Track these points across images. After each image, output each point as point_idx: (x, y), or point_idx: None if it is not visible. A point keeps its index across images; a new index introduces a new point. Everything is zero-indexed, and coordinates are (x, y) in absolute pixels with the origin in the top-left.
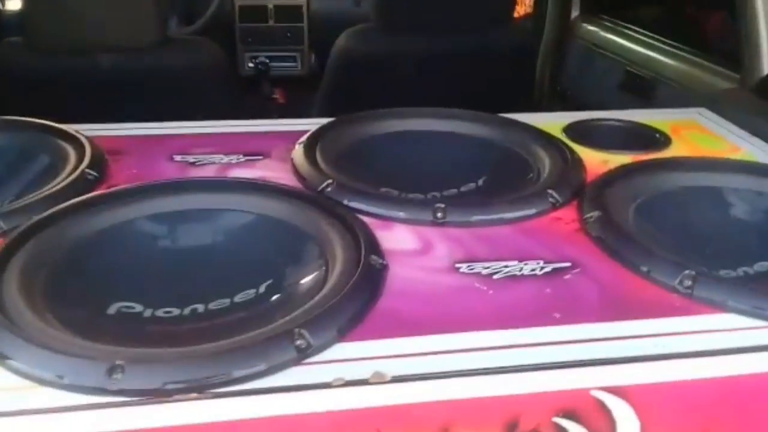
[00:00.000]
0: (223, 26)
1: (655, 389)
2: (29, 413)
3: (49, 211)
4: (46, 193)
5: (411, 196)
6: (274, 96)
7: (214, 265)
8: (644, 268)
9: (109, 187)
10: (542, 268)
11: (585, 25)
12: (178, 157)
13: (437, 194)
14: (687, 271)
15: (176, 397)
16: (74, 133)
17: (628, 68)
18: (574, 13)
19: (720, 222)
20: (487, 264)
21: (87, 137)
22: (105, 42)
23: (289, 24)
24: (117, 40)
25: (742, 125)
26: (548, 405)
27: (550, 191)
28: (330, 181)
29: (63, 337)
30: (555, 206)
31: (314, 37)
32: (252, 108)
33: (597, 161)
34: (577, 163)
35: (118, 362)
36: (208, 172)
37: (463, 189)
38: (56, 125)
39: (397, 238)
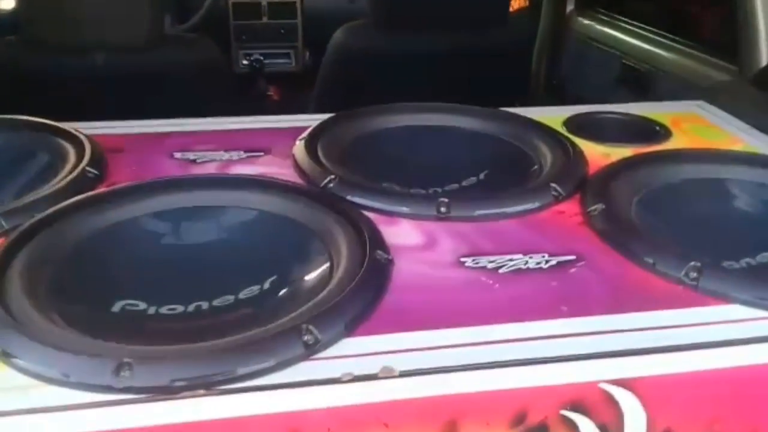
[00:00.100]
0: (217, 24)
1: (662, 381)
2: (36, 412)
3: (51, 210)
4: (48, 191)
5: (413, 190)
6: (269, 93)
7: (217, 262)
8: (649, 260)
9: (109, 185)
10: (547, 261)
11: (580, 18)
12: (178, 155)
13: (438, 189)
14: (692, 263)
15: (184, 394)
16: (73, 131)
17: (624, 61)
18: (570, 6)
19: (723, 213)
20: (492, 258)
21: (86, 135)
22: (100, 40)
23: (282, 21)
24: (113, 37)
25: (742, 117)
26: (556, 398)
27: (552, 185)
28: (333, 176)
29: (68, 336)
30: (558, 199)
31: (308, 33)
32: (247, 105)
33: (598, 154)
34: (579, 156)
35: (125, 360)
36: (209, 169)
37: (464, 183)
38: (55, 124)
39: (401, 232)
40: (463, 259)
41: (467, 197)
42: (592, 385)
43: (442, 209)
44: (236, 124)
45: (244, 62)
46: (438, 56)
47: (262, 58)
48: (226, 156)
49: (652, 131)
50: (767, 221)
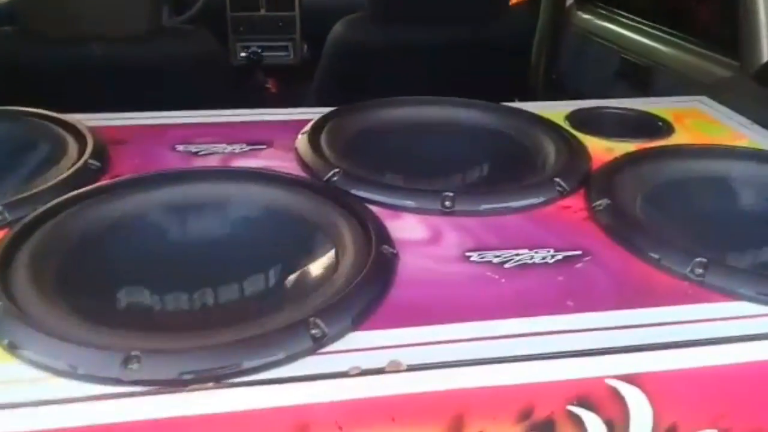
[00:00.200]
0: (214, 15)
1: (668, 377)
2: (43, 404)
3: (55, 201)
4: (51, 183)
5: (416, 185)
6: (267, 85)
7: (223, 255)
8: (655, 256)
9: (112, 177)
10: (553, 256)
11: (580, 12)
12: (180, 147)
13: (442, 183)
14: (698, 259)
15: (192, 387)
16: (75, 123)
17: (624, 56)
18: (569, 0)
19: (729, 209)
20: (497, 252)
21: (87, 127)
22: (98, 31)
23: (280, 13)
24: (110, 29)
25: (744, 113)
26: (562, 393)
27: (557, 179)
28: (336, 170)
29: (76, 327)
30: (562, 194)
31: (306, 26)
32: (245, 97)
33: (601, 149)
34: (582, 151)
35: (134, 353)
36: (211, 161)
37: (467, 178)
38: (56, 115)
39: (406, 227)
40: (468, 254)
41: (472, 192)
42: (598, 381)
43: (447, 204)
44: (237, 116)
45: (242, 54)
46: (437, 50)
47: (259, 50)
48: (228, 149)
49: (655, 126)
50: None
